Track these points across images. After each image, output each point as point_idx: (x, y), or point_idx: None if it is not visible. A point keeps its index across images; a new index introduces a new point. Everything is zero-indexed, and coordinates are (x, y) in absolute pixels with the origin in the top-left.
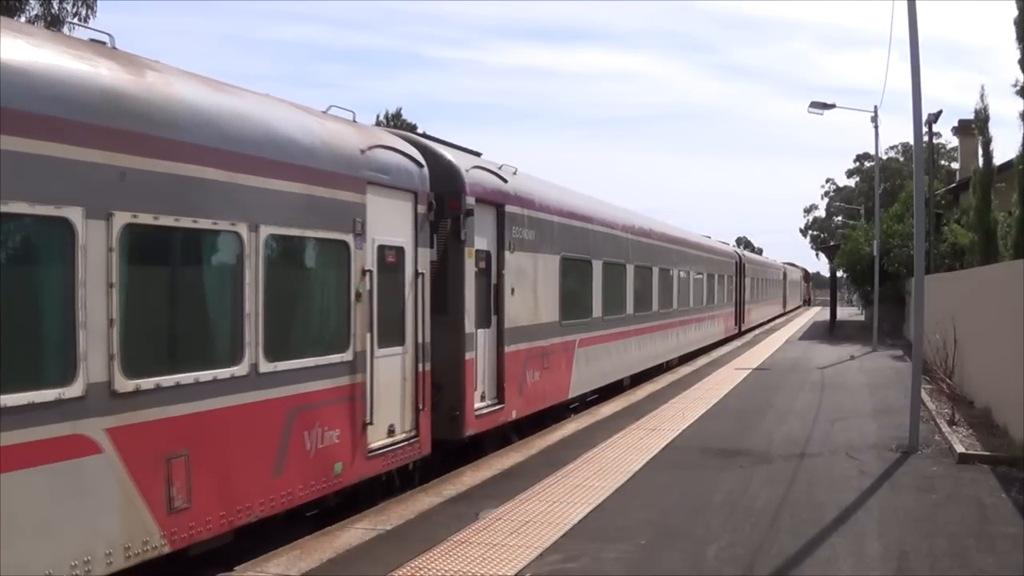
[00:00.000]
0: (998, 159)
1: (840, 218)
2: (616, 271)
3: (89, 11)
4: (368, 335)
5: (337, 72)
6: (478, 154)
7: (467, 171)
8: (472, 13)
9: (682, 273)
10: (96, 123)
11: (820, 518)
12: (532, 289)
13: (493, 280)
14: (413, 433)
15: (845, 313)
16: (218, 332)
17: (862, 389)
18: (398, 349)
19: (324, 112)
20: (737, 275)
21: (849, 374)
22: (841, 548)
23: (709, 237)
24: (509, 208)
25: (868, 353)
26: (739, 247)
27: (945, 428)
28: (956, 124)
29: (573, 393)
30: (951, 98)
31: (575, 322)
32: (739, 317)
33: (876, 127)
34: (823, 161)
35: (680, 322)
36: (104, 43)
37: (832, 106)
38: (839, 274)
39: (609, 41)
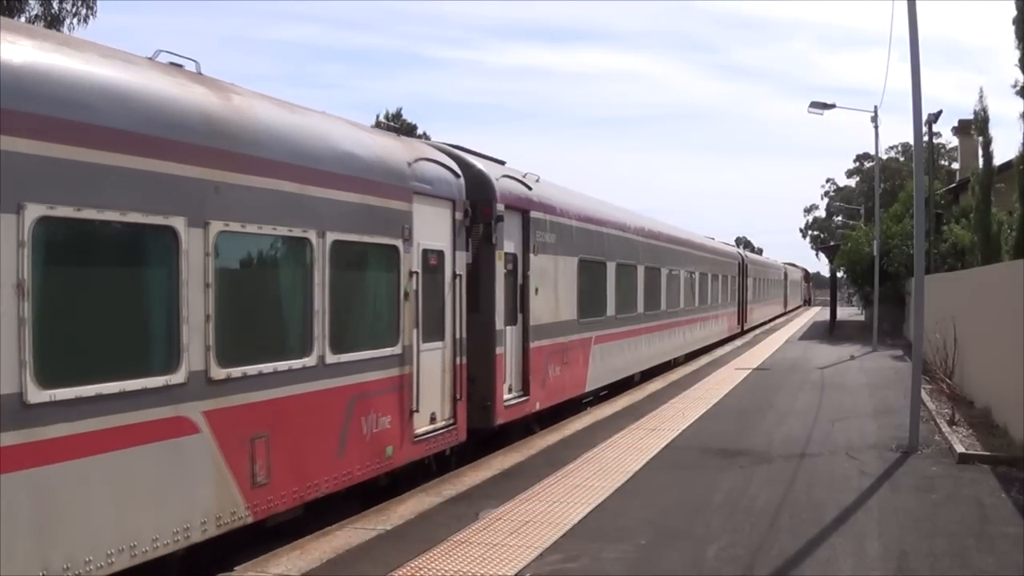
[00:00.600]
0: (998, 159)
1: (840, 218)
2: (628, 272)
3: (89, 11)
4: (414, 330)
5: (337, 72)
6: (502, 162)
7: (497, 180)
8: (472, 13)
9: (688, 274)
10: (196, 143)
11: (820, 518)
12: (553, 289)
13: (519, 281)
14: (451, 421)
15: (845, 313)
16: (293, 327)
17: (862, 389)
18: (439, 344)
19: (372, 128)
20: (740, 275)
21: (849, 374)
22: (841, 548)
23: (713, 238)
24: (533, 214)
25: (868, 353)
26: (739, 247)
27: (945, 428)
28: (956, 124)
29: (589, 387)
30: (951, 98)
31: (591, 320)
32: (742, 317)
33: (876, 127)
34: (823, 161)
35: (686, 321)
36: (194, 70)
37: (832, 106)
38: (839, 274)
39: (609, 41)
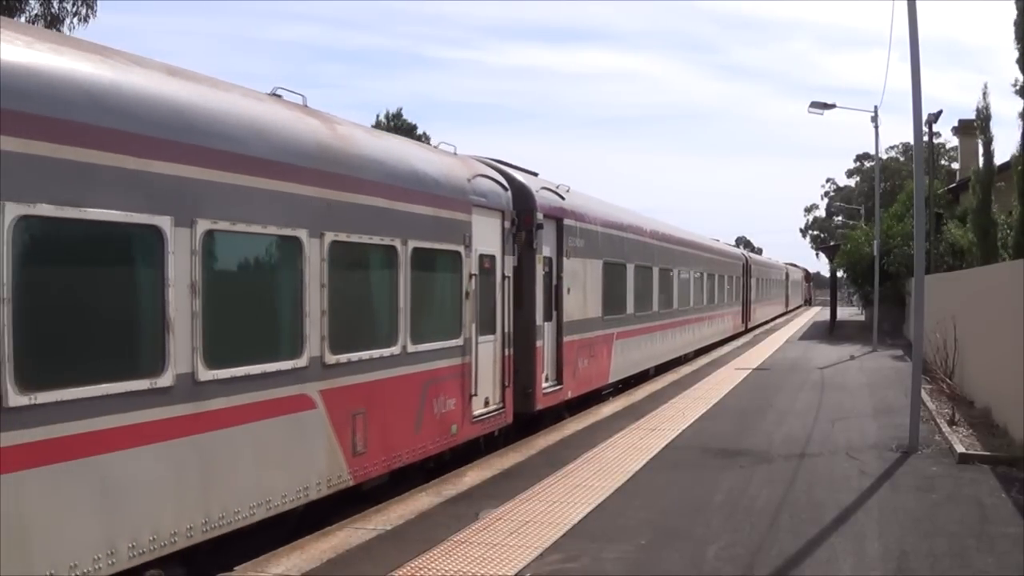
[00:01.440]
0: (998, 159)
1: (840, 218)
2: (644, 273)
3: (89, 11)
4: (473, 325)
5: (338, 72)
6: (535, 174)
7: (537, 192)
8: (472, 13)
9: (697, 275)
10: (315, 168)
11: (820, 518)
12: (582, 289)
13: (554, 281)
14: (501, 405)
15: (845, 313)
16: (383, 320)
17: (862, 389)
18: (491, 337)
19: (435, 147)
20: (744, 276)
21: (849, 374)
22: (841, 548)
23: (718, 240)
24: (566, 221)
25: (868, 353)
26: (739, 247)
27: (945, 428)
28: (956, 124)
29: (612, 379)
30: (951, 98)
31: (613, 317)
32: (746, 315)
33: (876, 127)
34: (823, 161)
35: (696, 319)
36: (301, 103)
37: (832, 106)
38: (839, 274)
39: (609, 41)
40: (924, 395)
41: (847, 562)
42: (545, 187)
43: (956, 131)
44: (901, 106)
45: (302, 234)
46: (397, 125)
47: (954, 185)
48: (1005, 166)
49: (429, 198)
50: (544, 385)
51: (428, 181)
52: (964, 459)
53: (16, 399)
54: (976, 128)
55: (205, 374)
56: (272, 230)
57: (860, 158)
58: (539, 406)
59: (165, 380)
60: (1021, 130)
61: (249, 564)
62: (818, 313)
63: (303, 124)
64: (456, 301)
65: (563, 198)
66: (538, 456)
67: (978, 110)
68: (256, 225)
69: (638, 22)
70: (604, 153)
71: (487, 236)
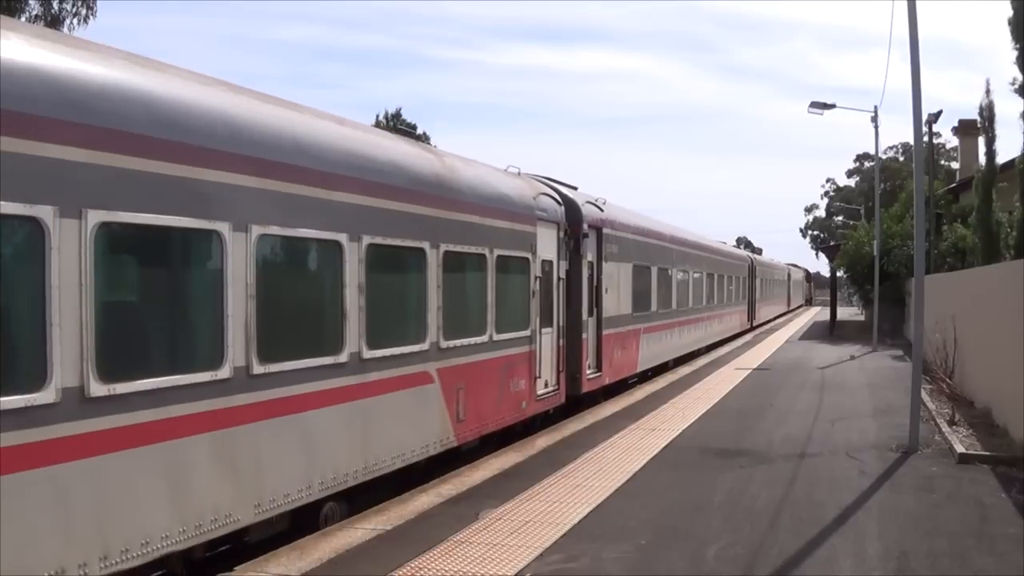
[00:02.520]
0: (998, 159)
1: (840, 218)
2: (665, 275)
3: (89, 11)
4: (536, 319)
5: (338, 72)
6: (575, 187)
7: (583, 206)
8: (473, 13)
9: (709, 276)
10: (432, 193)
11: (820, 518)
12: (616, 289)
13: (595, 283)
14: (556, 387)
15: (845, 313)
16: (477, 314)
17: (862, 389)
18: (549, 329)
19: (505, 170)
20: (749, 277)
21: (849, 374)
22: (841, 548)
23: (725, 243)
24: (605, 230)
25: (868, 353)
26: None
27: (945, 428)
28: (956, 124)
29: (639, 368)
30: (951, 98)
31: (641, 314)
32: (751, 314)
33: (876, 127)
34: (823, 161)
35: (708, 317)
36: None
37: (832, 106)
38: (839, 274)
39: (610, 41)
40: (924, 395)
41: (847, 562)
42: (589, 201)
43: (956, 131)
44: (901, 106)
45: (425, 246)
46: (397, 125)
47: (954, 185)
48: (1006, 165)
49: (507, 214)
50: (588, 372)
51: (506, 200)
52: (964, 459)
53: (258, 368)
54: (979, 126)
55: (367, 353)
56: (408, 243)
57: (860, 158)
58: (584, 389)
59: (343, 357)
60: (1023, 129)
61: (249, 564)
62: (818, 313)
63: (423, 159)
64: (525, 299)
65: (602, 210)
66: (538, 456)
67: (981, 108)
68: (399, 239)
69: (638, 22)
70: (604, 153)
71: (547, 244)
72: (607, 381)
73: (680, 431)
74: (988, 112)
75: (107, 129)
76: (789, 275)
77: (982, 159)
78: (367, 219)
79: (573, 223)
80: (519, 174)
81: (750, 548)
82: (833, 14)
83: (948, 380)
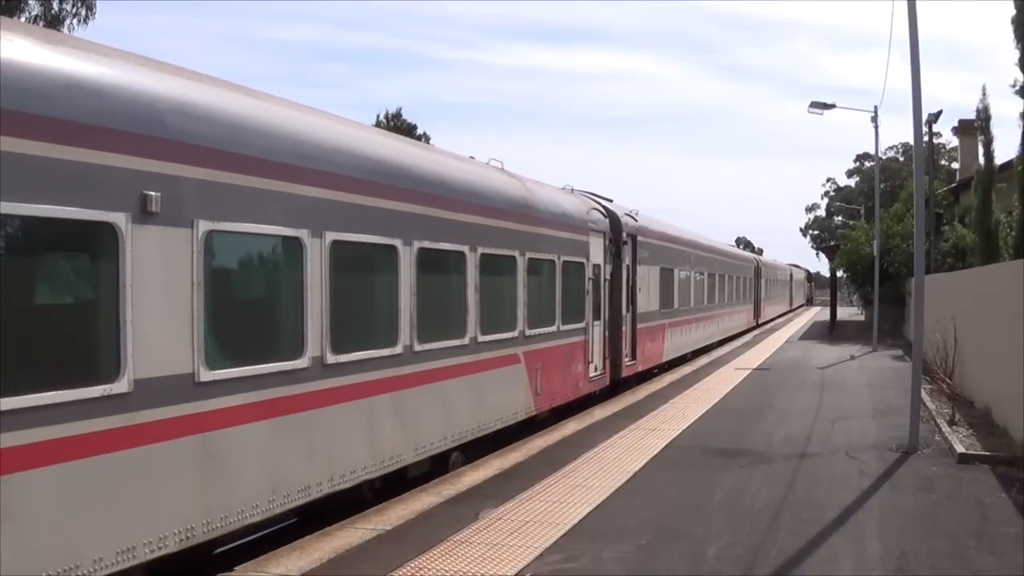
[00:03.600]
0: (999, 159)
1: (840, 218)
2: (684, 276)
3: (89, 11)
4: (589, 313)
5: (339, 72)
6: (611, 200)
7: (622, 217)
8: (473, 13)
9: (720, 277)
10: (520, 212)
11: (820, 518)
12: (647, 289)
13: (630, 283)
14: (602, 372)
15: (845, 313)
16: (548, 308)
17: (862, 389)
18: (598, 322)
19: (562, 188)
20: (755, 278)
21: (849, 374)
22: (841, 548)
23: (733, 245)
24: (639, 238)
25: (868, 353)
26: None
27: (945, 428)
28: (956, 124)
29: (665, 358)
30: (951, 98)
31: (666, 311)
32: (757, 312)
33: (876, 127)
34: (823, 161)
35: (720, 314)
36: (501, 166)
37: (832, 106)
38: (839, 274)
39: (610, 41)
40: (924, 395)
41: (847, 562)
42: (626, 213)
43: (956, 131)
44: (901, 106)
45: (516, 254)
46: (396, 125)
47: (954, 185)
48: (1006, 166)
49: (569, 227)
50: (626, 360)
51: (568, 215)
52: (964, 459)
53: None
54: (977, 129)
55: (481, 338)
56: (505, 252)
57: (860, 158)
58: (624, 374)
59: (466, 340)
60: (1022, 130)
61: (249, 564)
62: (818, 313)
63: (512, 185)
64: (581, 296)
65: (636, 220)
66: (538, 456)
67: (978, 111)
68: (500, 249)
69: (638, 22)
70: (604, 153)
71: (596, 251)
72: (640, 368)
73: (680, 431)
74: (985, 115)
75: (334, 175)
76: (791, 275)
77: (981, 160)
78: (481, 235)
79: (615, 232)
80: (572, 191)
81: (750, 548)
82: (833, 14)
83: (948, 380)
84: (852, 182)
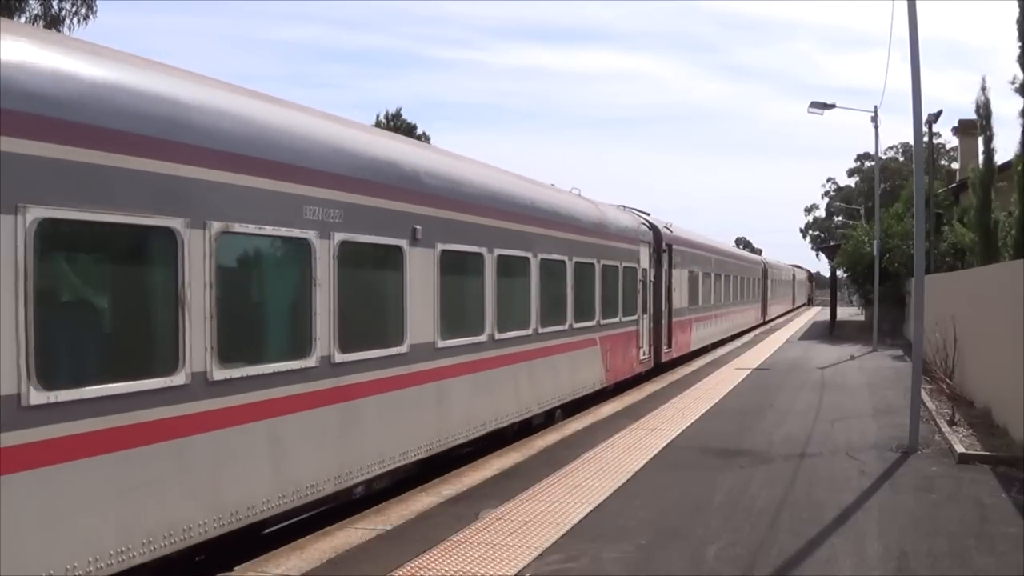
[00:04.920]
0: (999, 158)
1: (840, 218)
2: (707, 278)
3: (89, 11)
4: (640, 308)
5: (339, 72)
6: (648, 213)
7: (662, 229)
8: (474, 14)
9: (734, 278)
10: (596, 230)
11: (820, 518)
12: (679, 289)
13: (667, 284)
14: (648, 356)
15: (845, 313)
16: (614, 303)
17: (862, 389)
18: (645, 316)
19: (617, 207)
20: (763, 278)
21: (849, 374)
22: (841, 548)
23: (742, 248)
24: (674, 246)
25: (868, 353)
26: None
27: (945, 428)
28: (956, 124)
29: (692, 348)
30: (951, 98)
31: (693, 307)
32: (764, 310)
33: (876, 127)
34: (823, 161)
35: (735, 311)
36: (579, 192)
37: (832, 106)
38: (839, 274)
39: (610, 41)
40: (924, 395)
41: (847, 562)
42: (665, 225)
43: (956, 131)
44: (901, 106)
45: (594, 262)
46: (396, 125)
47: (954, 185)
48: (1005, 165)
49: (627, 239)
50: (664, 348)
51: (627, 230)
52: (964, 459)
53: (541, 329)
54: (977, 125)
55: (575, 325)
56: (588, 260)
57: (860, 158)
58: (663, 360)
59: (565, 326)
60: (1021, 128)
61: (249, 564)
62: (818, 313)
63: (591, 208)
64: (634, 294)
65: (671, 231)
66: (538, 456)
67: (978, 106)
68: (585, 258)
69: (639, 22)
70: (604, 153)
71: (644, 258)
72: (675, 355)
73: (680, 431)
74: (985, 110)
75: (503, 211)
76: (794, 276)
77: (981, 157)
78: (574, 248)
79: (656, 242)
80: (624, 208)
81: (750, 548)
82: (834, 14)
83: (948, 380)
84: (852, 182)
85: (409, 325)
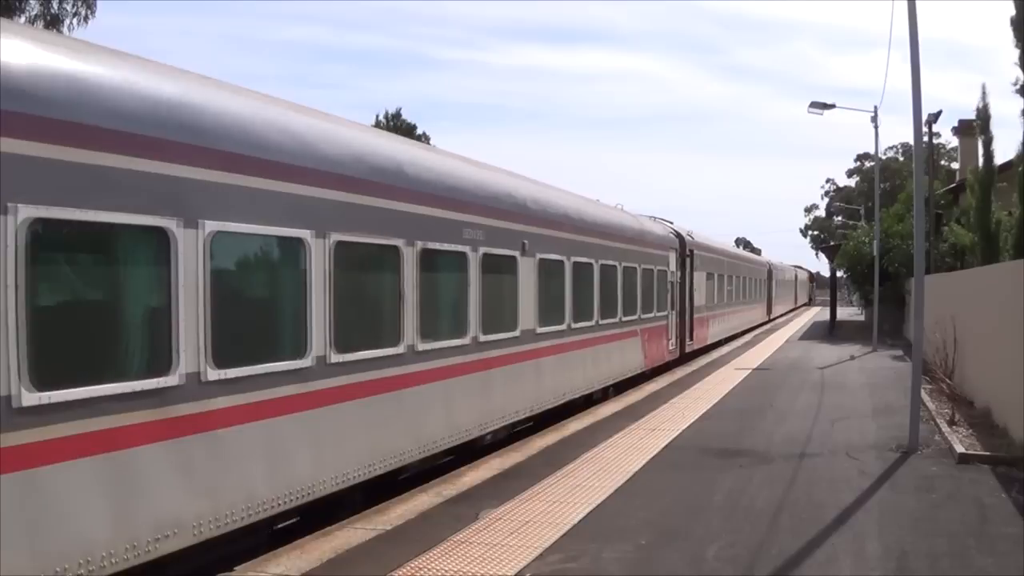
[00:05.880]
0: (999, 159)
1: (840, 218)
2: (721, 279)
3: (89, 11)
4: (668, 305)
5: (340, 72)
6: (671, 222)
7: (686, 236)
8: (475, 14)
9: (745, 279)
10: (636, 237)
11: (820, 518)
12: (699, 289)
13: (689, 285)
14: (675, 347)
15: (845, 313)
16: (652, 300)
17: (862, 389)
18: (673, 312)
19: (652, 219)
20: (768, 279)
21: (849, 374)
22: (841, 548)
23: (742, 247)
24: (695, 252)
25: (868, 353)
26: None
27: (945, 428)
28: (956, 124)
29: (709, 341)
30: (951, 98)
31: (709, 305)
32: (769, 308)
33: (876, 127)
34: (823, 161)
35: (744, 309)
36: (622, 207)
37: (832, 106)
38: (839, 274)
39: (611, 42)
40: (924, 395)
41: (847, 562)
42: (688, 233)
43: (956, 131)
44: (901, 106)
45: (636, 266)
46: (396, 125)
47: (954, 185)
48: (1005, 166)
49: (660, 246)
50: (687, 340)
51: (661, 238)
52: (964, 459)
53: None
54: (976, 128)
55: (624, 318)
56: (632, 264)
57: (860, 158)
58: (686, 350)
59: (616, 319)
60: (1022, 129)
61: (249, 564)
62: (818, 313)
63: (634, 220)
64: (665, 294)
65: (693, 238)
66: (538, 456)
67: (977, 110)
68: (629, 263)
69: (640, 23)
70: (604, 153)
71: (672, 262)
72: (696, 347)
73: (680, 431)
74: (984, 114)
75: (576, 226)
76: (796, 276)
77: (981, 160)
78: (624, 255)
79: (681, 247)
80: (655, 219)
81: (750, 548)
82: (834, 14)
83: (948, 380)
84: (852, 182)
85: (520, 315)
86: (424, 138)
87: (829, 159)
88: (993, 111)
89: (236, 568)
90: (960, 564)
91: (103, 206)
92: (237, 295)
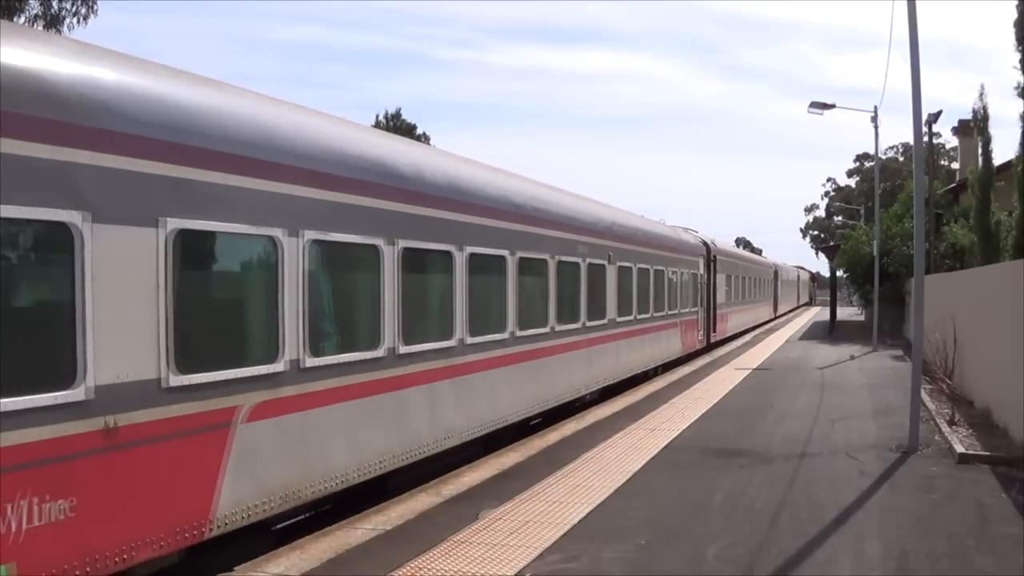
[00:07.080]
0: (999, 159)
1: (840, 218)
2: (738, 280)
3: (89, 11)
4: (698, 302)
5: (341, 72)
6: (696, 231)
7: (710, 243)
8: (475, 14)
9: (755, 279)
10: (659, 244)
11: (820, 518)
12: (720, 289)
13: (713, 285)
14: (703, 337)
15: (845, 313)
16: (689, 297)
17: (862, 389)
18: (701, 308)
19: (684, 229)
20: (774, 279)
21: (849, 374)
22: (841, 548)
23: (742, 247)
24: (718, 257)
25: (868, 353)
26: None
27: (945, 428)
28: (956, 124)
29: (728, 334)
30: (951, 98)
31: (727, 303)
32: (775, 307)
33: (876, 127)
34: (823, 161)
35: (755, 307)
36: (662, 221)
37: (832, 106)
38: (839, 274)
39: (611, 42)
40: (924, 395)
41: (847, 562)
42: (712, 240)
43: (956, 131)
44: (901, 106)
45: (672, 270)
46: (396, 125)
47: (954, 185)
48: (1004, 166)
49: (692, 253)
50: (711, 333)
51: (692, 247)
52: (964, 459)
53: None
54: (974, 129)
55: (668, 312)
56: (671, 268)
57: (860, 158)
58: (711, 341)
59: (662, 313)
60: (1021, 131)
61: (249, 564)
62: (818, 313)
63: (672, 231)
64: (695, 293)
65: (715, 245)
66: (538, 456)
67: (975, 112)
68: (667, 267)
69: (640, 23)
70: (604, 153)
71: (700, 266)
72: (718, 339)
73: (680, 431)
74: (983, 115)
75: (624, 237)
76: (798, 276)
77: (980, 160)
78: (665, 261)
79: (707, 253)
80: (686, 230)
81: (750, 548)
82: (834, 14)
83: (948, 380)
84: (852, 182)
85: (607, 307)
86: (424, 138)
87: (829, 159)
88: (994, 111)
89: (236, 568)
90: (960, 564)
91: (228, 219)
92: (329, 295)
